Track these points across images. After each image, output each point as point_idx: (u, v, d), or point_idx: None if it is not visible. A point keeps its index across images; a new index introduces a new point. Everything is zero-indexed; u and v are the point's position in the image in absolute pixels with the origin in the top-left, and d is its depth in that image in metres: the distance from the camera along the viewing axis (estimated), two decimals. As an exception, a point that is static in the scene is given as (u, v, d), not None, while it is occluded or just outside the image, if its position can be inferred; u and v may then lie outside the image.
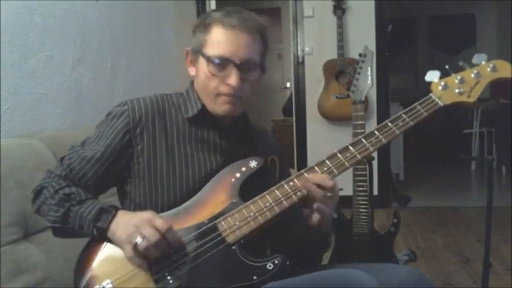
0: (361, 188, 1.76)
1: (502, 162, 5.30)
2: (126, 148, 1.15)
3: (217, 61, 1.12)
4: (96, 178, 1.15)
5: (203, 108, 1.18)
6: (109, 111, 1.20)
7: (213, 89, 1.14)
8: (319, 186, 1.08)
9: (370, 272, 1.05)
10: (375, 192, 3.84)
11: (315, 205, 1.08)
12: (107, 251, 1.09)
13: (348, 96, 1.79)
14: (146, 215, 1.04)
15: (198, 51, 1.16)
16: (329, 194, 1.09)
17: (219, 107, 1.16)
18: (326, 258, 1.88)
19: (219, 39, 1.13)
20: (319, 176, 1.09)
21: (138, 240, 1.00)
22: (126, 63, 2.46)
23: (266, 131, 1.38)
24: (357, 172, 1.76)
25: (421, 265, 2.75)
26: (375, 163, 1.87)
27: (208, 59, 1.13)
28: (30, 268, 1.25)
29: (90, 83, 2.08)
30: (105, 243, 1.09)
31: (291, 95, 4.62)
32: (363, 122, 1.70)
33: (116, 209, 1.09)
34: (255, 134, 1.30)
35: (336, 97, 3.93)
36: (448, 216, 3.84)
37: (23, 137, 1.55)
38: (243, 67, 1.13)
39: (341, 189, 1.84)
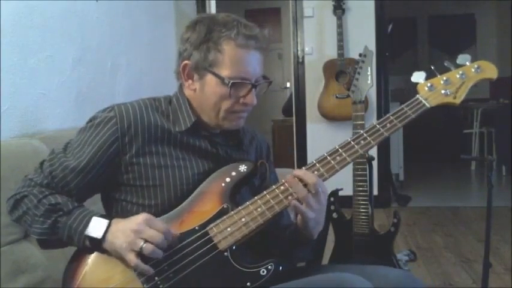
0: (361, 188, 1.76)
1: (502, 162, 5.30)
2: (113, 157, 1.10)
3: (235, 83, 1.10)
4: (81, 187, 1.11)
5: (195, 122, 1.16)
6: (93, 116, 1.15)
7: (226, 108, 1.13)
8: (301, 181, 1.07)
9: (362, 276, 1.05)
10: (375, 192, 3.84)
11: (292, 202, 1.07)
12: (96, 260, 1.07)
13: (348, 96, 1.80)
14: (141, 217, 1.03)
15: (205, 69, 1.12)
16: (312, 191, 1.06)
17: (229, 123, 1.16)
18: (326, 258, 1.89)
19: (236, 60, 1.10)
20: (302, 172, 1.08)
21: (142, 244, 0.99)
22: (126, 63, 2.46)
23: (253, 130, 1.35)
24: (357, 172, 1.76)
25: (421, 265, 2.76)
26: (374, 163, 1.87)
27: (224, 81, 1.10)
28: (30, 268, 1.25)
29: (90, 83, 2.08)
30: (93, 254, 1.07)
31: (291, 95, 4.62)
32: (363, 122, 1.70)
33: (109, 218, 1.06)
34: (243, 135, 1.28)
35: (336, 97, 3.93)
36: (448, 216, 3.84)
37: (23, 137, 1.55)
38: (256, 84, 1.14)
39: (341, 189, 1.85)
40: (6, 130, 1.52)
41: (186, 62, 1.15)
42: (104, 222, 1.05)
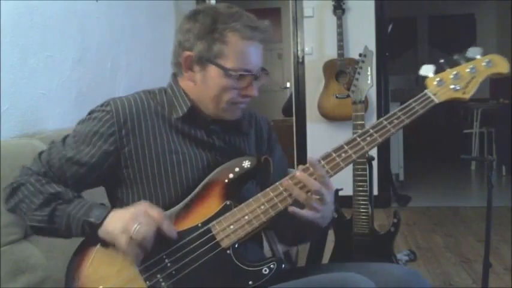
0: (361, 188, 1.76)
1: (502, 162, 5.30)
2: (111, 151, 1.11)
3: (239, 74, 1.10)
4: (77, 178, 1.12)
5: (192, 107, 1.15)
6: (91, 110, 1.16)
7: (228, 99, 1.13)
8: (303, 187, 1.05)
9: (367, 273, 1.04)
10: (375, 192, 3.84)
11: (290, 208, 1.05)
12: (99, 257, 1.07)
13: (348, 96, 1.80)
14: (140, 206, 1.04)
15: (209, 60, 1.11)
16: (316, 197, 1.04)
17: (229, 114, 1.16)
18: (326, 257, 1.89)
19: (241, 53, 1.10)
20: (304, 176, 1.05)
21: (136, 227, 0.98)
22: (126, 63, 2.46)
23: (251, 110, 1.33)
24: (357, 172, 1.76)
25: (421, 265, 2.76)
26: (374, 163, 1.87)
27: (228, 72, 1.10)
28: (30, 268, 1.25)
29: (90, 83, 2.08)
30: (96, 248, 1.07)
31: (291, 95, 4.62)
32: (363, 122, 1.70)
33: (109, 207, 1.07)
34: (242, 117, 1.25)
35: (336, 97, 3.93)
36: (448, 216, 3.84)
37: (23, 137, 1.55)
38: (258, 76, 1.14)
39: (341, 189, 1.85)
40: (6, 130, 1.52)
41: (188, 53, 1.13)
42: (104, 209, 1.06)
